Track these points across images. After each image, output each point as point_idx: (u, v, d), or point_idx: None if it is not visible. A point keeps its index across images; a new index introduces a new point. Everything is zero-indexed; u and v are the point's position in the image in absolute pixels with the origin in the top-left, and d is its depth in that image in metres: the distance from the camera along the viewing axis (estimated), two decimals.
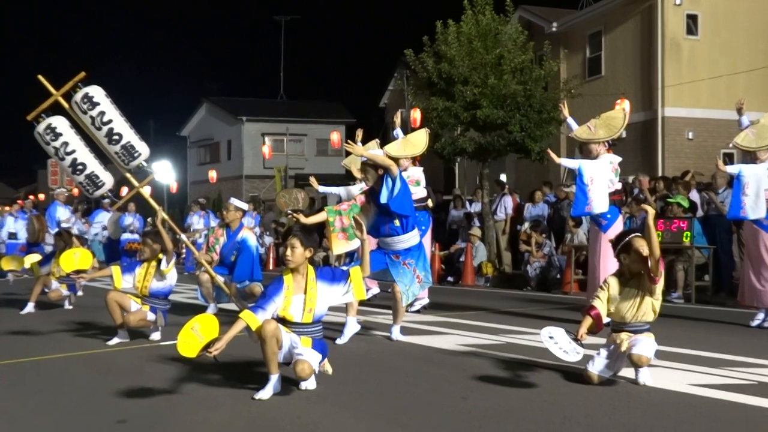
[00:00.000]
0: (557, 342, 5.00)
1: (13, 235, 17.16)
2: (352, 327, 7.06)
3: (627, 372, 5.19)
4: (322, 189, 10.41)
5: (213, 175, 35.11)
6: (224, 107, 41.36)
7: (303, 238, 4.91)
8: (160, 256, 7.23)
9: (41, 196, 39.05)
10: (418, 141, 9.28)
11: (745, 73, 19.56)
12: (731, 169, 8.36)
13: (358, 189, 9.41)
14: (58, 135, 7.44)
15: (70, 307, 10.20)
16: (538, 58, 16.14)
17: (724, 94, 18.47)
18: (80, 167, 7.51)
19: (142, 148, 7.66)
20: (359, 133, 10.18)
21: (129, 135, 7.57)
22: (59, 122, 7.50)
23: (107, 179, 7.69)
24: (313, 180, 10.08)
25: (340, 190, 10.68)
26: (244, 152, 39.10)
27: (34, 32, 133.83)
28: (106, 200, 17.11)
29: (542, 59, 15.85)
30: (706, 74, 19.64)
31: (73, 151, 7.48)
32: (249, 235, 9.02)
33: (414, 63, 16.05)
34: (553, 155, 8.52)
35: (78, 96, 7.46)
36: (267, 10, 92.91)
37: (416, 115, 17.85)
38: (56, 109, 7.68)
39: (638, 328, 5.14)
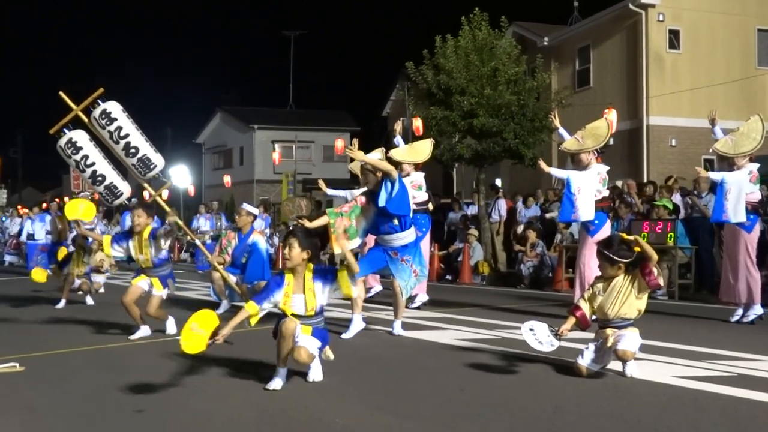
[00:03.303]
0: (535, 333, 5.12)
1: (31, 236, 17.18)
2: (357, 324, 7.05)
3: (615, 365, 5.17)
4: (330, 192, 10.54)
5: (226, 179, 35.07)
6: (237, 116, 41.35)
7: (301, 239, 4.85)
8: (149, 228, 7.15)
9: (66, 199, 39.12)
10: (423, 150, 9.29)
11: (724, 85, 19.58)
12: (714, 176, 8.31)
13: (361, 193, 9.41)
14: (78, 149, 7.35)
15: (92, 303, 10.19)
16: (530, 70, 16.13)
17: (704, 104, 18.37)
18: (100, 178, 7.43)
19: (158, 160, 7.57)
20: (355, 142, 10.19)
21: (145, 148, 7.49)
22: (80, 136, 7.39)
23: (125, 189, 7.62)
24: (321, 183, 10.08)
25: (345, 194, 10.70)
26: (256, 158, 39.06)
27: (60, 44, 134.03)
28: (134, 199, 17.09)
29: (535, 71, 15.83)
30: (688, 85, 19.70)
31: (93, 164, 7.38)
32: (259, 238, 9.04)
33: (414, 75, 16.05)
34: (543, 165, 8.42)
35: (96, 112, 7.37)
36: (277, 25, 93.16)
37: (417, 123, 17.83)
38: (77, 123, 7.60)
39: (621, 323, 5.15)
